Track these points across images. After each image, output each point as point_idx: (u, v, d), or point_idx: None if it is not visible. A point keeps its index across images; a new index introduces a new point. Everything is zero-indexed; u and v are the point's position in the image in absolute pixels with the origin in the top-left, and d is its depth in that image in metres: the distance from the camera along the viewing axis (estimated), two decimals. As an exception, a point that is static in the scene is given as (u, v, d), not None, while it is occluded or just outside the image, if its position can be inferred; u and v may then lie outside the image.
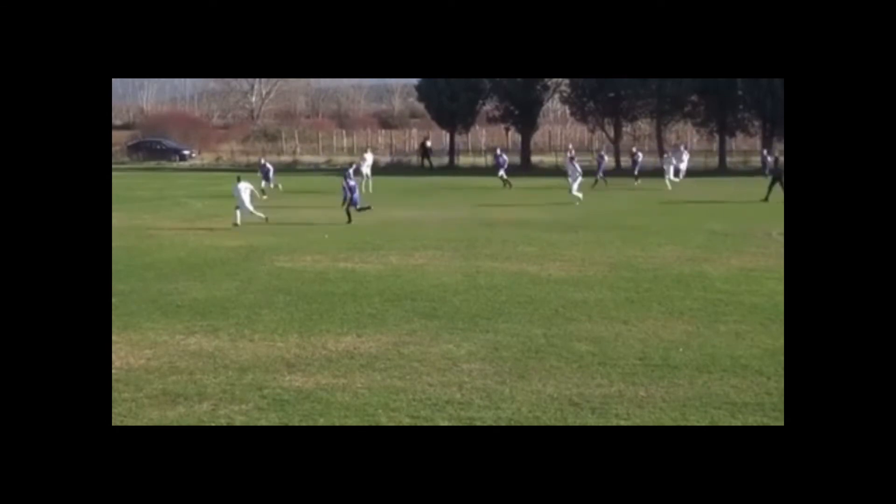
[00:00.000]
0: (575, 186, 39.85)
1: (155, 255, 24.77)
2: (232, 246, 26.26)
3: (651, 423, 10.26)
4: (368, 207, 34.04)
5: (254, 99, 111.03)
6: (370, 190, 43.30)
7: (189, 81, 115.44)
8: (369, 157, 47.55)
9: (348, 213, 32.86)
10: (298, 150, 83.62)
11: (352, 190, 33.23)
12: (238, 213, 32.14)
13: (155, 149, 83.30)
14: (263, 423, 10.53)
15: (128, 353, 13.73)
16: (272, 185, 44.53)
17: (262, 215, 32.13)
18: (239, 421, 10.58)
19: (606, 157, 55.32)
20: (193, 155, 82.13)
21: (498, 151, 54.68)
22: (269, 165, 46.31)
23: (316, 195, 41.80)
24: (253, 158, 71.03)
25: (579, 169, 40.98)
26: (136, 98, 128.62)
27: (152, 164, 76.91)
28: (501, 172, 48.93)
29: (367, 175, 44.74)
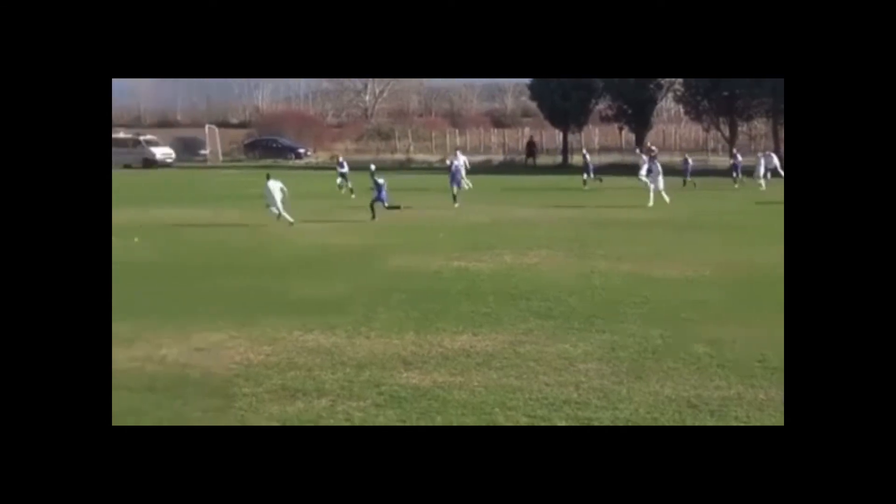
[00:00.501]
0: (660, 184, 38.54)
1: (271, 253, 24.98)
2: (346, 244, 26.33)
3: (772, 425, 10.10)
4: (398, 207, 33.88)
5: (367, 98, 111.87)
6: (465, 189, 42.37)
7: (304, 81, 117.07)
8: (460, 158, 45.71)
9: (372, 209, 32.96)
10: (412, 148, 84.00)
11: (379, 188, 33.50)
12: (272, 209, 32.24)
13: (270, 147, 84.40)
14: (381, 419, 10.46)
15: (247, 348, 13.82)
16: (348, 185, 44.15)
17: (290, 218, 31.57)
18: (357, 417, 10.49)
19: (740, 157, 53.12)
20: (308, 153, 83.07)
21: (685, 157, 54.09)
22: (346, 165, 46.03)
23: (428, 194, 41.88)
24: (367, 157, 71.62)
25: (660, 168, 39.45)
26: (252, 97, 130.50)
27: (268, 161, 77.71)
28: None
29: (460, 175, 42.77)
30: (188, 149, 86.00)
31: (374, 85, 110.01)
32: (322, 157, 79.83)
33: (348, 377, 12.12)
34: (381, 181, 34.11)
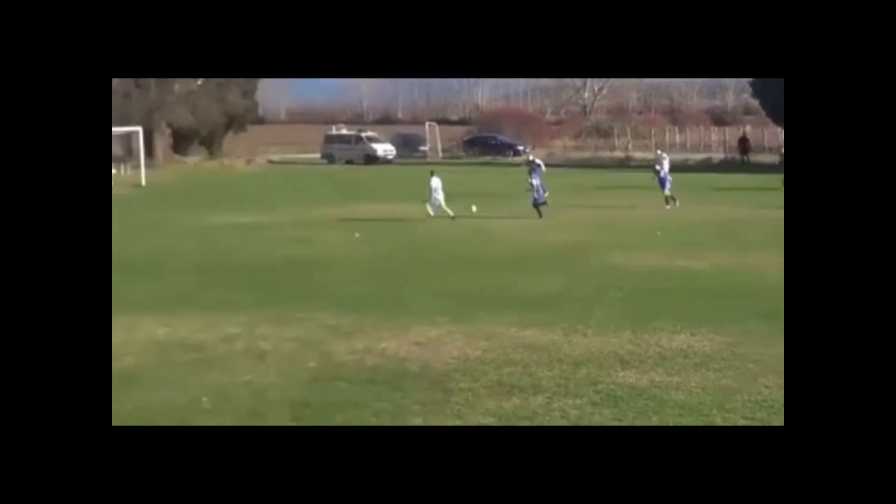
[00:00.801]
0: None
1: (487, 249, 25.00)
2: (561, 241, 26.04)
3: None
4: (545, 203, 33.31)
5: (586, 95, 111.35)
6: (666, 191, 41.86)
7: (524, 79, 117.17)
8: (666, 160, 43.86)
9: (536, 208, 32.97)
10: (630, 145, 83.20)
11: (534, 188, 33.44)
12: (434, 203, 32.90)
13: (489, 144, 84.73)
14: (597, 418, 10.28)
15: (465, 343, 13.81)
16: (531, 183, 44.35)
17: (450, 213, 32.01)
18: (573, 415, 10.36)
19: None
20: (527, 150, 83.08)
21: None
22: (539, 162, 45.67)
23: (647, 192, 41.16)
24: (585, 154, 71.29)
25: None
26: (472, 94, 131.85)
27: (487, 158, 77.94)
28: None
29: (664, 175, 41.69)
30: (408, 145, 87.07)
31: (594, 82, 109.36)
32: (540, 153, 79.93)
33: (564, 374, 12.01)
34: (536, 182, 33.83)
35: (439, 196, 33.06)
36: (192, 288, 19.33)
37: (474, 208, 33.08)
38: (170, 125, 78.03)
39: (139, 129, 61.03)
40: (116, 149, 62.67)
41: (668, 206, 36.17)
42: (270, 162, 79.11)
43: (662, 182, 37.08)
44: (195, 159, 78.90)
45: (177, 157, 79.26)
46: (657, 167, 38.30)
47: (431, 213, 32.92)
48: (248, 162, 76.54)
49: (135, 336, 14.75)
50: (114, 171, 54.22)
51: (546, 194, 33.65)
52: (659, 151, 46.09)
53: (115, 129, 59.07)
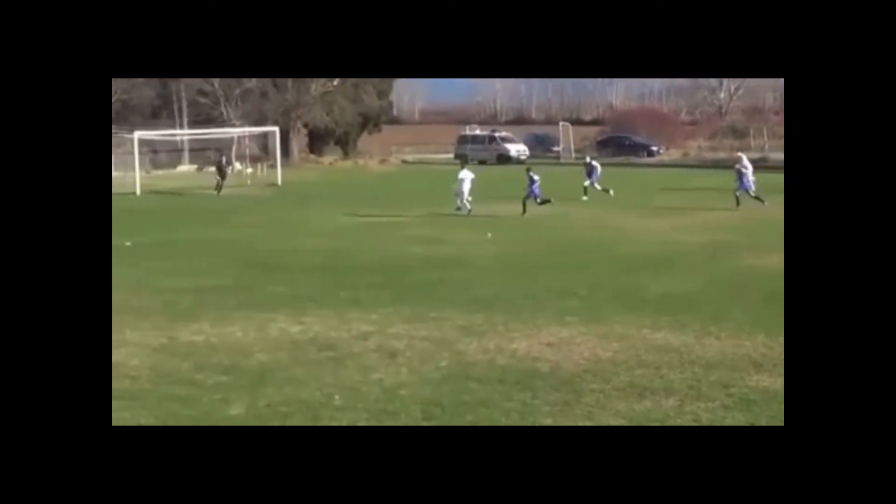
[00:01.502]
0: None
1: (620, 249, 24.59)
2: (695, 241, 25.72)
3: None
4: (549, 200, 33.97)
5: (722, 95, 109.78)
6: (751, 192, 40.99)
7: (658, 79, 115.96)
8: (747, 164, 42.14)
9: (524, 205, 33.81)
10: (767, 146, 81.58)
11: (532, 182, 34.14)
12: (461, 199, 33.89)
13: (623, 144, 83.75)
14: (729, 421, 10.12)
15: (595, 344, 13.64)
16: (594, 185, 42.29)
17: (468, 207, 33.32)
18: (705, 418, 10.20)
19: None
20: (661, 151, 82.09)
21: None
22: (595, 164, 44.20)
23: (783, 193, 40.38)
24: (720, 155, 70.20)
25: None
26: (606, 94, 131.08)
27: (620, 159, 77.75)
28: None
29: (747, 176, 39.40)
30: (541, 145, 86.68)
31: (730, 82, 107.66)
32: (675, 154, 78.93)
33: (696, 377, 11.82)
34: (535, 177, 34.27)
35: (466, 188, 33.63)
36: (326, 286, 19.35)
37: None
38: (306, 125, 79.21)
39: (276, 128, 61.85)
40: (253, 148, 64.07)
41: (739, 206, 35.25)
42: (404, 162, 79.40)
43: (743, 182, 36.09)
44: (330, 159, 79.80)
45: (312, 156, 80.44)
46: (741, 168, 37.34)
47: (469, 206, 33.52)
48: (383, 162, 77.06)
49: (269, 333, 14.92)
50: (250, 170, 55.96)
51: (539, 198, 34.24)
52: (739, 154, 44.56)
53: (252, 129, 60.55)
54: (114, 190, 51.38)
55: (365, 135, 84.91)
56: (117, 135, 56.48)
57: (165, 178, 59.44)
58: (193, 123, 71.12)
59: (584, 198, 39.30)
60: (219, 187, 47.04)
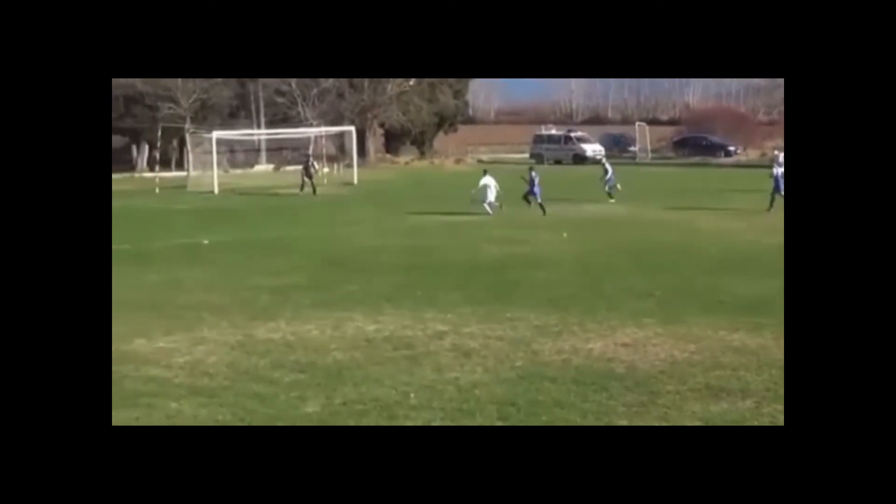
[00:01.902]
0: None
1: (697, 250, 24.43)
2: (772, 243, 24.98)
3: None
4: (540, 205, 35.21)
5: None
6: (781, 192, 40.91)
7: (735, 79, 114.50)
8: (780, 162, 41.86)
9: (527, 199, 35.29)
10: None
11: (532, 183, 35.39)
12: (486, 204, 34.65)
13: (700, 144, 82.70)
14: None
15: (672, 346, 13.57)
16: (607, 188, 42.36)
17: (489, 211, 34.19)
18: (782, 420, 9.88)
19: None
20: (738, 151, 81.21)
21: None
22: (608, 167, 43.64)
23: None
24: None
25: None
26: (683, 94, 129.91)
27: (697, 159, 76.05)
28: None
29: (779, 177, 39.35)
30: (617, 145, 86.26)
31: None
32: (752, 154, 77.94)
33: (774, 379, 11.63)
34: (535, 177, 35.42)
35: (491, 195, 34.47)
36: (402, 285, 19.40)
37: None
38: (382, 125, 79.71)
39: (352, 128, 61.76)
40: (330, 148, 64.50)
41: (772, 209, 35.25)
42: (480, 161, 78.65)
43: (778, 184, 35.28)
44: (406, 158, 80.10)
45: (388, 156, 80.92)
46: (775, 168, 36.76)
47: (490, 211, 34.22)
48: (458, 161, 77.09)
49: (345, 332, 14.96)
50: (326, 169, 56.08)
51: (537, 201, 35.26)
52: (776, 152, 44.30)
53: (329, 129, 60.93)
54: (192, 188, 51.53)
55: (440, 134, 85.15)
56: (196, 134, 57.74)
57: (243, 177, 60.12)
58: (270, 123, 72.41)
59: (612, 200, 39.02)
60: (311, 186, 46.63)
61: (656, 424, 10.18)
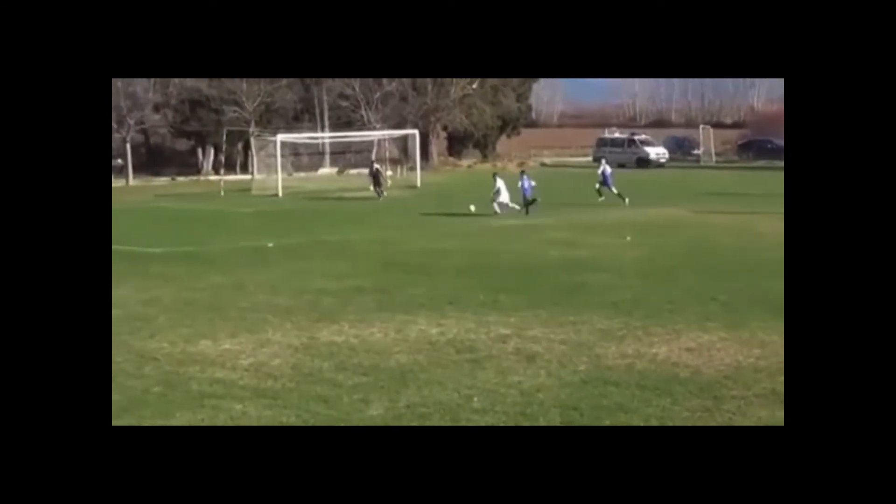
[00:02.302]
0: None
1: (762, 254, 23.51)
2: None
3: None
4: (534, 200, 36.44)
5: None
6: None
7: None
8: None
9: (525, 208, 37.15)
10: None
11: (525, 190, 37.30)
12: (495, 205, 36.93)
13: (765, 148, 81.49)
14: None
15: (737, 351, 13.36)
16: (611, 189, 42.27)
17: (498, 210, 36.12)
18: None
19: None
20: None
21: None
22: (607, 169, 43.91)
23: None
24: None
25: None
26: (747, 97, 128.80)
27: (762, 162, 74.73)
28: None
29: None
30: (681, 149, 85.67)
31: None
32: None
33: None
34: (527, 182, 37.09)
35: (503, 197, 36.62)
36: (464, 288, 19.32)
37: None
38: (445, 128, 79.92)
39: (415, 131, 62.22)
40: (393, 151, 64.73)
41: None
42: (543, 165, 79.12)
43: None
44: (469, 162, 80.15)
45: (451, 159, 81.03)
46: None
47: (498, 210, 36.14)
48: (521, 165, 76.01)
49: (408, 335, 14.93)
50: (389, 172, 56.24)
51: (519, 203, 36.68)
52: None
53: (392, 132, 61.21)
54: (257, 191, 51.97)
55: (503, 138, 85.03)
56: (261, 137, 58.11)
57: (307, 180, 60.49)
58: (334, 126, 72.62)
59: (601, 199, 40.46)
60: (380, 192, 46.53)
61: (656, 424, 10.16)
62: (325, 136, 68.34)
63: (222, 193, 51.67)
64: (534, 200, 36.62)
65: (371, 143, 63.66)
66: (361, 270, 22.31)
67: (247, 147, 68.64)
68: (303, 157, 67.54)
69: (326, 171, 69.86)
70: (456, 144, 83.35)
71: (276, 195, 49.50)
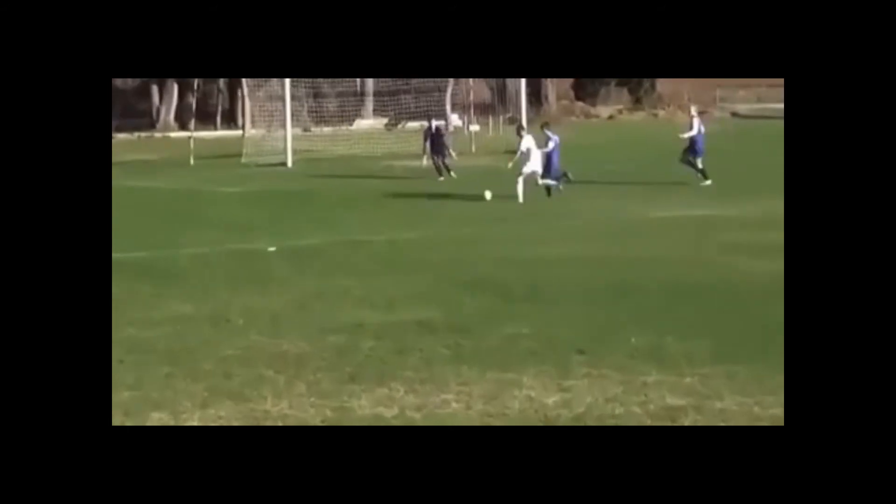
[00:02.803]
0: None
1: None
2: None
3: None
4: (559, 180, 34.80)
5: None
6: None
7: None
8: None
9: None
10: None
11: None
12: (518, 183, 31.79)
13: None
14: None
15: None
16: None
17: (520, 195, 33.36)
18: None
19: None
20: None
21: None
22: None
23: None
24: None
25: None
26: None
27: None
28: None
29: None
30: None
31: None
32: None
33: None
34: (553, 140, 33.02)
35: (534, 167, 34.56)
36: (602, 325, 16.69)
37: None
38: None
39: None
40: (482, 93, 63.96)
41: None
42: (735, 115, 76.14)
43: None
44: (609, 109, 75.98)
45: (579, 104, 74.04)
46: None
47: (520, 189, 33.71)
48: (701, 114, 73.94)
49: (509, 407, 9.95)
50: (475, 128, 52.40)
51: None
52: None
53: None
54: (250, 158, 50.98)
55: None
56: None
57: (334, 139, 53.97)
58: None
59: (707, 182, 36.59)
60: (437, 164, 40.23)
61: (655, 424, 11.17)
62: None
63: (192, 161, 46.32)
64: (564, 174, 33.80)
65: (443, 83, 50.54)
66: (426, 293, 18.55)
67: (233, 82, 66.05)
68: (328, 102, 56.99)
69: (368, 122, 59.39)
70: (587, 83, 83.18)
71: (283, 164, 43.17)
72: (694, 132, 36.69)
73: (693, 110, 40.64)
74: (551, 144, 35.09)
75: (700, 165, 37.24)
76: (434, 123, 43.16)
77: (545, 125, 37.00)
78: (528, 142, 34.57)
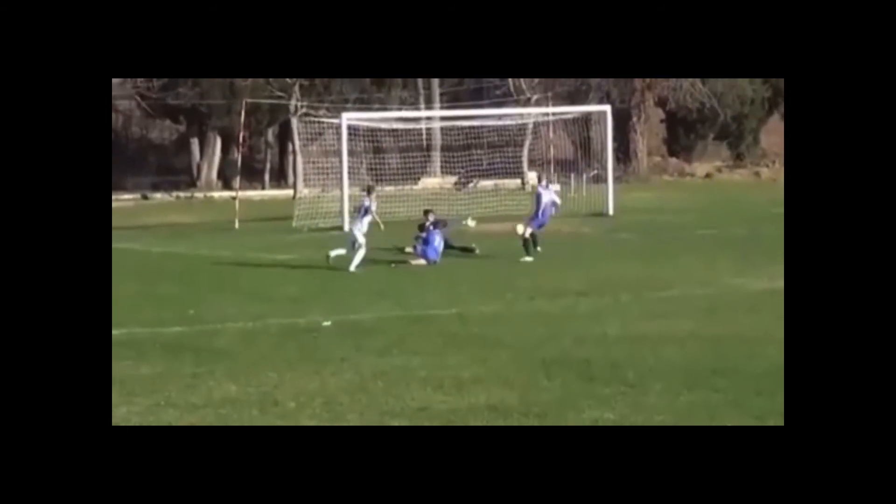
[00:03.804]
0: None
1: None
2: None
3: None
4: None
5: None
6: None
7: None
8: None
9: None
10: None
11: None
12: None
13: None
14: None
15: None
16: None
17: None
18: None
19: None
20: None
21: None
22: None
23: None
24: None
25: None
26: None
27: None
28: None
29: None
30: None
31: None
32: None
33: None
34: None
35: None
36: (705, 410, 15.42)
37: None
38: (663, 103, 76.51)
39: (607, 108, 55.64)
40: (563, 146, 64.98)
41: None
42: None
43: None
44: (707, 167, 79.09)
45: (673, 160, 76.50)
46: None
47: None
48: None
49: None
50: (556, 187, 55.70)
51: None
52: None
53: (563, 109, 60.57)
54: (301, 220, 50.91)
55: (774, 120, 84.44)
56: (310, 118, 55.82)
57: (396, 199, 57.81)
58: (454, 100, 71.99)
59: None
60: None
61: (655, 424, 12.09)
62: (435, 116, 60.18)
63: (237, 224, 45.32)
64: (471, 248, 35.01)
65: (521, 127, 54.32)
66: (500, 373, 17.13)
67: (283, 135, 66.66)
68: (390, 157, 54.81)
69: (435, 181, 57.54)
70: (683, 135, 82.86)
71: (339, 228, 44.95)
72: None
73: None
74: (544, 197, 37.74)
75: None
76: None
77: (540, 180, 41.90)
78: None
